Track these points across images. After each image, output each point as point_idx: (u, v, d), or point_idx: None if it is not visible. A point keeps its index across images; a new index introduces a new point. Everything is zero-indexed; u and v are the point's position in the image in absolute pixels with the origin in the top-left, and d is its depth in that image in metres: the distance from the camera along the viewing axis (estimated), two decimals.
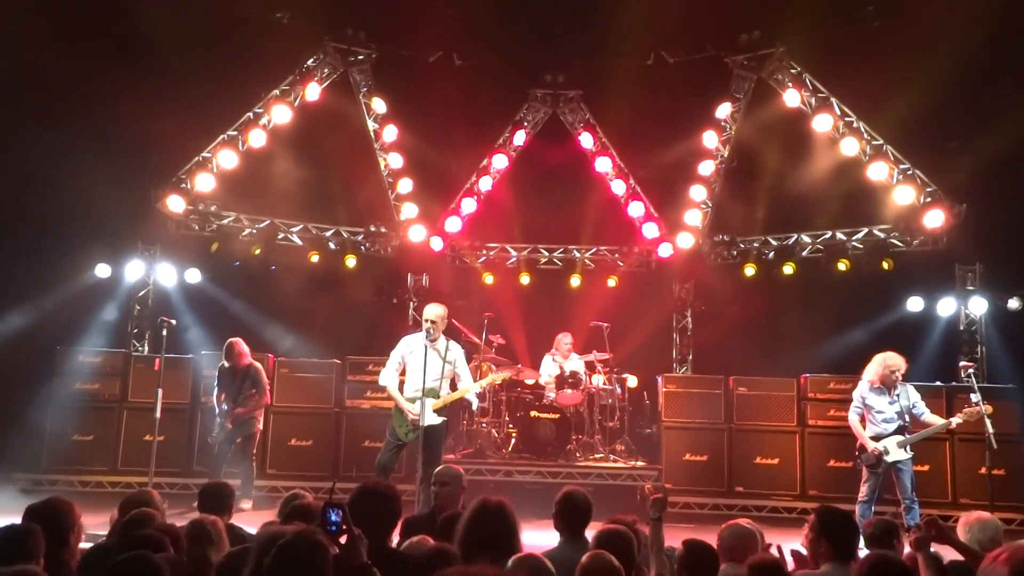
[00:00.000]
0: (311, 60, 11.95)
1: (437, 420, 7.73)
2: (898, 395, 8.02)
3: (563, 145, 12.89)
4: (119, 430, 10.64)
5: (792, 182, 11.62)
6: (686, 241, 12.69)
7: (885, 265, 11.48)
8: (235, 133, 11.78)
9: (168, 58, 10.40)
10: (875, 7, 10.67)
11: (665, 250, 12.75)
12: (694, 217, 12.73)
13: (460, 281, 13.28)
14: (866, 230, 11.95)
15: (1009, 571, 2.34)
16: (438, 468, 5.94)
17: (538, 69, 12.65)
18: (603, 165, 12.84)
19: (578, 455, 10.84)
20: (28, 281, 10.92)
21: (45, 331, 10.95)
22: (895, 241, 11.71)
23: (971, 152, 10.63)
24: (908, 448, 7.93)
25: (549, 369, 11.41)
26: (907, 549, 4.49)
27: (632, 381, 11.76)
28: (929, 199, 11.22)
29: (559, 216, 13.04)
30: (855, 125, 11.43)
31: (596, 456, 10.89)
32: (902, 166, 11.32)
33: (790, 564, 4.38)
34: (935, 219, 11.10)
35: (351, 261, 12.48)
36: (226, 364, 9.36)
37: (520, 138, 12.98)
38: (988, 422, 7.80)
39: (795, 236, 12.37)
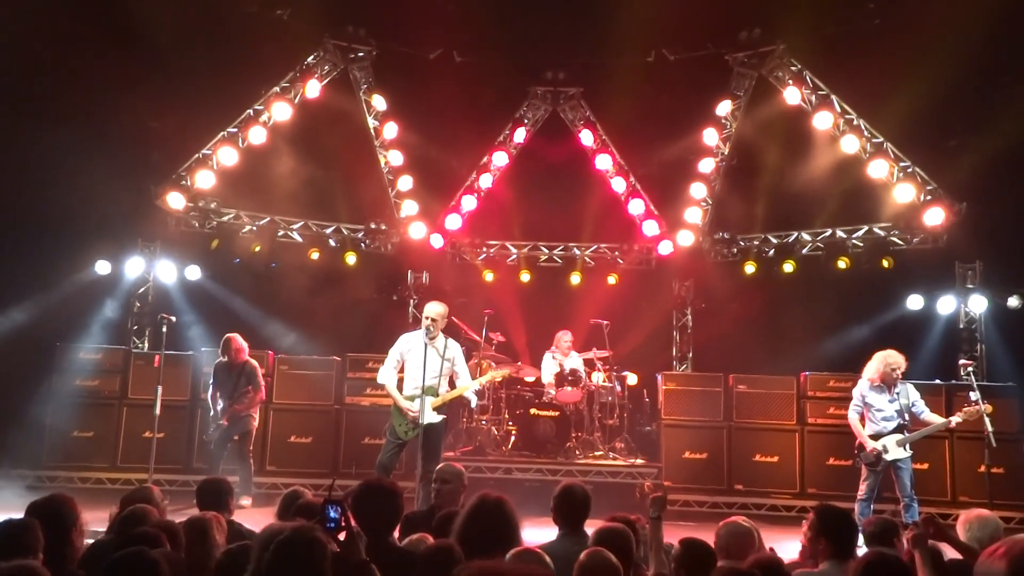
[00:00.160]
0: (311, 57, 11.96)
1: (437, 418, 7.73)
2: (898, 393, 8.02)
3: (563, 142, 12.88)
4: (119, 426, 10.65)
5: (792, 180, 11.62)
6: (686, 239, 12.68)
7: (885, 263, 11.49)
8: (235, 130, 11.79)
9: (168, 55, 10.40)
10: (875, 5, 10.67)
11: (665, 248, 12.75)
12: (694, 215, 12.73)
13: (460, 278, 13.27)
14: (866, 228, 11.95)
15: (1007, 565, 2.34)
16: (439, 466, 5.94)
17: (538, 66, 12.65)
18: (603, 163, 12.83)
19: (578, 453, 10.84)
20: (28, 278, 10.91)
21: (45, 328, 10.94)
22: (895, 239, 11.71)
23: (971, 150, 10.62)
24: (907, 446, 7.94)
25: (549, 367, 11.40)
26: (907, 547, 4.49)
27: (632, 379, 11.76)
28: (929, 197, 11.21)
29: (559, 214, 13.03)
30: (855, 123, 11.43)
31: (596, 454, 10.90)
32: (902, 164, 11.32)
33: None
34: (935, 217, 11.10)
35: (351, 258, 12.48)
36: (223, 360, 9.37)
37: (520, 135, 12.97)
38: (987, 421, 7.80)
39: (795, 234, 12.37)
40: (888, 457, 7.90)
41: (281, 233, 12.49)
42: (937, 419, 8.05)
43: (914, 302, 11.55)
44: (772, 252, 12.49)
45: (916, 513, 7.74)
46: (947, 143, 11.27)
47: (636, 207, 12.76)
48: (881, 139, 11.36)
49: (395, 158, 12.67)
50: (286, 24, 11.23)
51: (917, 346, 11.01)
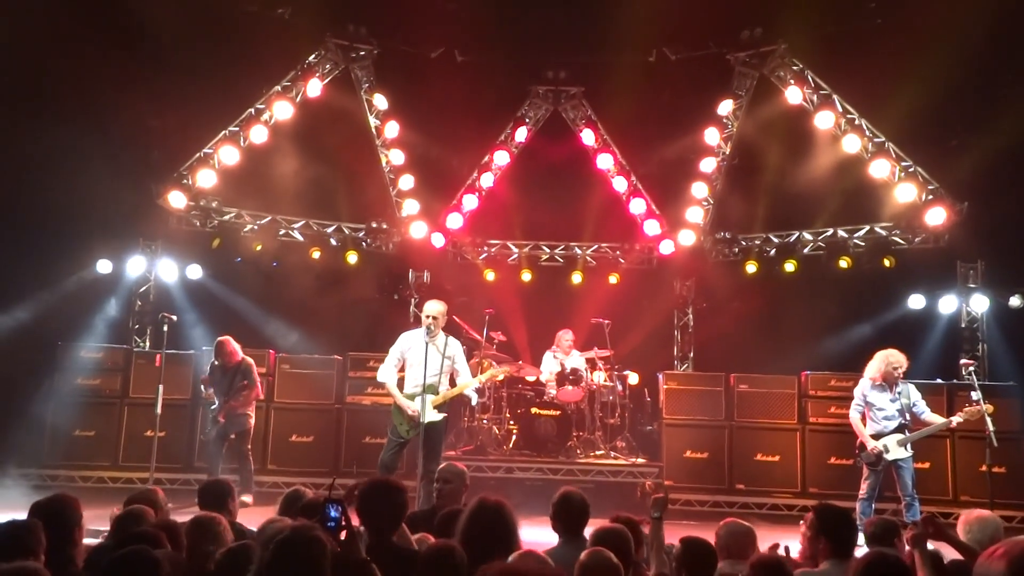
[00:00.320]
0: (312, 56, 11.95)
1: (438, 417, 7.74)
2: (899, 393, 8.02)
3: (565, 142, 12.87)
4: (120, 426, 10.67)
5: (794, 179, 11.61)
6: (687, 238, 12.67)
7: (886, 263, 11.48)
8: (236, 129, 11.79)
9: (169, 54, 10.41)
10: (877, 4, 10.68)
11: (666, 247, 12.73)
12: (695, 214, 12.72)
13: (461, 278, 13.26)
14: (867, 227, 11.94)
15: (1007, 565, 2.33)
16: (442, 466, 5.95)
17: (540, 66, 12.64)
18: (605, 162, 12.82)
19: (579, 452, 10.84)
20: (30, 277, 10.94)
21: (46, 327, 10.97)
22: (896, 239, 11.71)
23: (973, 150, 10.62)
24: (908, 446, 7.94)
25: (550, 366, 11.40)
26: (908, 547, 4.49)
27: (633, 378, 11.74)
28: (931, 196, 11.21)
29: (561, 213, 13.03)
30: (857, 122, 11.43)
31: (597, 453, 10.89)
32: (904, 163, 11.31)
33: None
34: (936, 216, 11.09)
35: (352, 257, 12.46)
36: (216, 362, 9.37)
37: (522, 135, 12.96)
38: (989, 420, 7.80)
39: (796, 233, 12.36)
40: (889, 456, 7.90)
41: (282, 232, 12.49)
42: (938, 419, 8.05)
43: (915, 302, 11.55)
44: (773, 252, 12.48)
45: (917, 512, 7.73)
46: (949, 143, 11.27)
47: (637, 206, 12.75)
48: (883, 139, 11.35)
49: (396, 157, 12.67)
50: (287, 23, 11.24)
51: (918, 346, 11.01)
